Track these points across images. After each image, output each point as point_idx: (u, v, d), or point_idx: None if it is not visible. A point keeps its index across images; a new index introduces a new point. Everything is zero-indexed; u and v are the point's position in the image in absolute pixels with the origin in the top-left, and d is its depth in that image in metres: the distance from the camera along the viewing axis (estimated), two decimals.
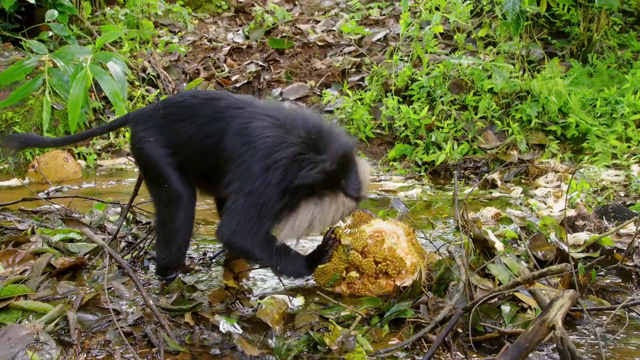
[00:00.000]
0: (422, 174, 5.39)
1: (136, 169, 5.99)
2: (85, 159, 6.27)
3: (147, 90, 7.19)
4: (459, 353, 2.18)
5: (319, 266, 2.65)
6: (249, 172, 2.50)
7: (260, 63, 7.74)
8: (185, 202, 2.72)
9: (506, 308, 2.38)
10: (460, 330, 2.27)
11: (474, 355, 2.17)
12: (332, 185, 2.55)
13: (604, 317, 2.43)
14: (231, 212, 2.52)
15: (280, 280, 2.68)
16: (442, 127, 5.58)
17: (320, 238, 2.74)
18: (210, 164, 2.67)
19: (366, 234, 2.61)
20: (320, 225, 2.58)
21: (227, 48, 8.15)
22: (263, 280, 2.85)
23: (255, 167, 2.49)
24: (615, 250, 2.84)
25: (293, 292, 2.60)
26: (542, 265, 2.66)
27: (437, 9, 6.42)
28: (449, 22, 6.67)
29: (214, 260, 3.07)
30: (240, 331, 2.30)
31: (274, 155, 2.48)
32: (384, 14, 8.35)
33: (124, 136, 6.62)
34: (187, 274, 2.88)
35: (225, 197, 2.91)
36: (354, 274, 2.59)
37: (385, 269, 2.56)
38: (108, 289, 2.62)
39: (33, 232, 3.27)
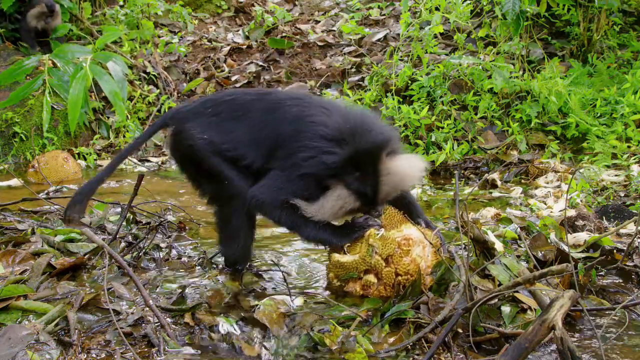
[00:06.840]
0: None
1: (141, 168, 6.01)
2: (85, 159, 6.26)
3: (149, 91, 7.18)
4: (459, 353, 2.18)
5: (340, 259, 2.61)
6: (290, 153, 2.59)
7: (260, 63, 7.73)
8: (245, 198, 2.67)
9: (506, 309, 2.38)
10: (460, 331, 2.27)
11: (474, 356, 2.17)
12: (337, 179, 2.53)
13: (604, 317, 2.43)
14: (263, 179, 2.62)
15: (284, 279, 2.67)
16: (442, 127, 5.58)
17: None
18: (264, 153, 2.67)
19: (395, 241, 2.55)
20: (321, 214, 2.55)
21: (227, 48, 8.15)
22: (263, 280, 2.85)
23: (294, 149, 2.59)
24: (615, 250, 2.84)
25: (293, 292, 2.60)
26: (542, 266, 2.66)
27: (437, 9, 6.41)
28: (449, 22, 6.66)
29: (212, 260, 3.07)
30: (239, 332, 2.30)
31: (308, 143, 2.54)
32: (384, 14, 8.34)
33: (124, 136, 6.61)
34: (186, 274, 2.88)
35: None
36: (371, 278, 2.55)
37: (405, 282, 2.53)
38: (108, 289, 2.62)
39: (33, 232, 3.27)
